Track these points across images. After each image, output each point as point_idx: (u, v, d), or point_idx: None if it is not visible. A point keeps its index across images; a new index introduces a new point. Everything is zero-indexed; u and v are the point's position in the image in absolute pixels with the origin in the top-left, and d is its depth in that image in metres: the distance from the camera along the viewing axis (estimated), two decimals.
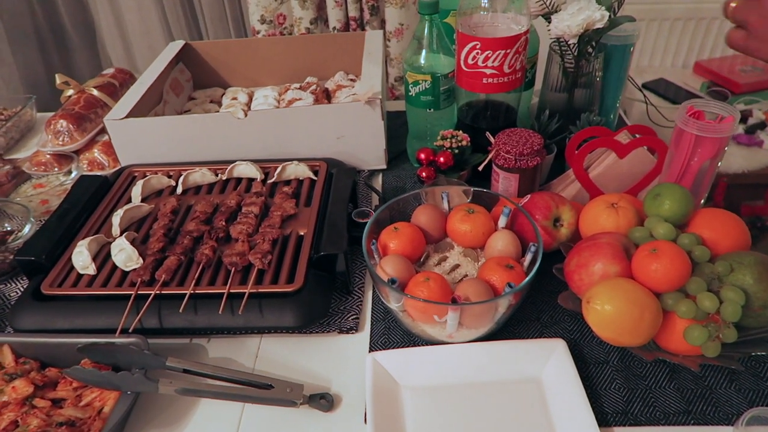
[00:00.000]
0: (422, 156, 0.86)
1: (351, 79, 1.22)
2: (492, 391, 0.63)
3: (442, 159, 0.84)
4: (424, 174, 0.84)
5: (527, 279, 0.61)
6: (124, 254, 0.73)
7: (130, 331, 0.65)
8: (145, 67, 1.13)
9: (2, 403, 0.61)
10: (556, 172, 0.94)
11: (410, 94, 0.92)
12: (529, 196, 0.75)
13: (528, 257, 0.67)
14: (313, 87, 1.19)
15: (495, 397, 0.62)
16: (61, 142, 1.00)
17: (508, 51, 0.81)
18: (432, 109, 0.93)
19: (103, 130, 1.06)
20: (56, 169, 1.02)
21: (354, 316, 0.73)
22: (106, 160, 1.02)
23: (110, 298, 0.71)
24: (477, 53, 0.82)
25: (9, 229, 0.90)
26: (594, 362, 0.66)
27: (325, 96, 1.18)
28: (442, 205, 0.76)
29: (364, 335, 0.72)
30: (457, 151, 0.86)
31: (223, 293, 0.69)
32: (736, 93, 1.54)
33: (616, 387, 0.63)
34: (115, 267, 0.75)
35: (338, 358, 0.69)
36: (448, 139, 0.86)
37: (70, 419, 0.60)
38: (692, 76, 1.69)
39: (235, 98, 1.18)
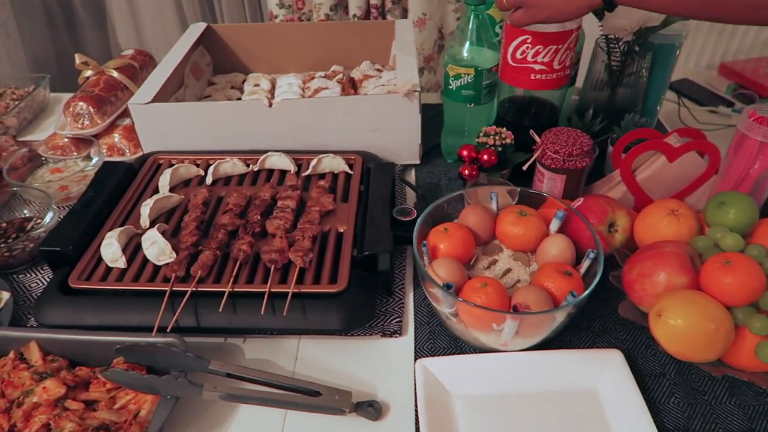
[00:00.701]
0: (464, 153, 0.82)
1: (377, 69, 1.18)
2: (547, 401, 0.60)
3: (485, 157, 0.81)
4: (466, 172, 0.81)
5: (590, 288, 0.59)
6: (157, 248, 0.70)
7: (168, 330, 0.62)
8: (158, 49, 1.08)
9: (32, 404, 0.58)
10: (593, 174, 0.91)
11: (450, 87, 0.89)
12: (581, 198, 0.72)
13: (585, 264, 0.64)
14: (339, 76, 1.15)
15: (550, 408, 0.60)
16: (80, 126, 0.95)
17: (560, 47, 0.78)
18: (472, 104, 0.89)
19: (124, 114, 1.02)
20: (74, 153, 0.97)
21: (397, 319, 0.70)
22: (127, 145, 0.98)
23: (142, 294, 0.67)
24: (527, 48, 0.79)
25: (28, 215, 0.85)
26: (650, 374, 0.63)
27: (351, 86, 1.14)
28: (490, 205, 0.73)
29: (407, 339, 0.69)
30: (500, 148, 0.83)
31: (262, 292, 0.65)
32: (763, 96, 1.52)
33: (675, 402, 0.61)
34: (145, 260, 0.71)
35: (382, 363, 0.66)
36: (491, 136, 0.83)
37: (105, 423, 0.57)
38: (717, 78, 1.67)
39: (257, 85, 1.14)
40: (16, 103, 1.09)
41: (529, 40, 0.78)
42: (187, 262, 0.69)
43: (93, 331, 0.63)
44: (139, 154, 0.98)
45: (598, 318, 0.70)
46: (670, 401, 0.61)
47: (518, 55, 0.80)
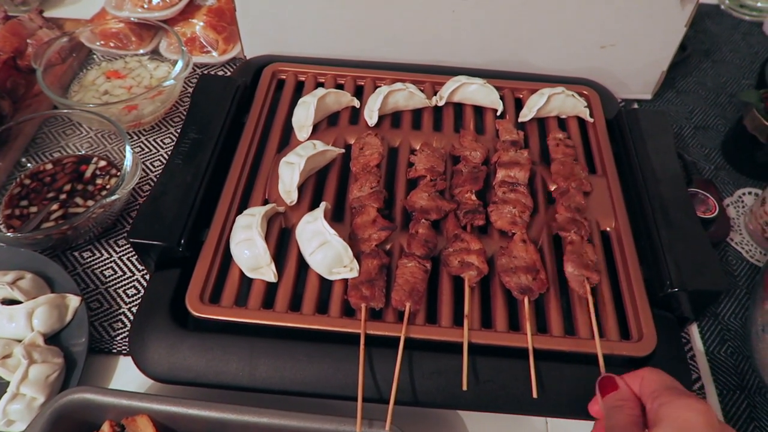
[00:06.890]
0: None
1: None
2: None
3: None
4: None
5: None
6: (330, 252, 0.41)
7: (391, 403, 0.36)
8: None
9: None
10: None
11: None
12: None
13: None
14: None
15: None
16: (145, 5, 0.62)
17: None
18: None
19: None
20: (133, 44, 0.65)
21: (698, 382, 0.45)
22: (215, 39, 0.65)
23: (307, 335, 0.41)
24: None
25: (83, 153, 0.56)
26: None
27: None
28: None
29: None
30: None
31: (518, 348, 0.39)
32: None
33: None
34: (302, 263, 0.43)
35: None
36: None
37: None
38: None
39: None
40: None
41: None
42: (382, 282, 0.42)
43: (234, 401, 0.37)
44: (234, 53, 0.65)
45: None
46: None
47: None
